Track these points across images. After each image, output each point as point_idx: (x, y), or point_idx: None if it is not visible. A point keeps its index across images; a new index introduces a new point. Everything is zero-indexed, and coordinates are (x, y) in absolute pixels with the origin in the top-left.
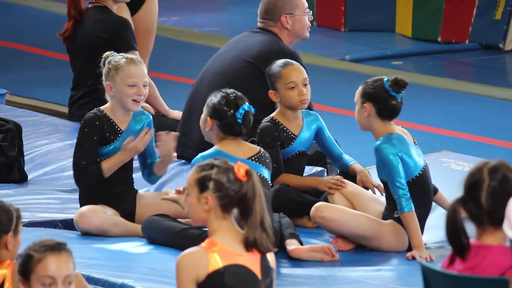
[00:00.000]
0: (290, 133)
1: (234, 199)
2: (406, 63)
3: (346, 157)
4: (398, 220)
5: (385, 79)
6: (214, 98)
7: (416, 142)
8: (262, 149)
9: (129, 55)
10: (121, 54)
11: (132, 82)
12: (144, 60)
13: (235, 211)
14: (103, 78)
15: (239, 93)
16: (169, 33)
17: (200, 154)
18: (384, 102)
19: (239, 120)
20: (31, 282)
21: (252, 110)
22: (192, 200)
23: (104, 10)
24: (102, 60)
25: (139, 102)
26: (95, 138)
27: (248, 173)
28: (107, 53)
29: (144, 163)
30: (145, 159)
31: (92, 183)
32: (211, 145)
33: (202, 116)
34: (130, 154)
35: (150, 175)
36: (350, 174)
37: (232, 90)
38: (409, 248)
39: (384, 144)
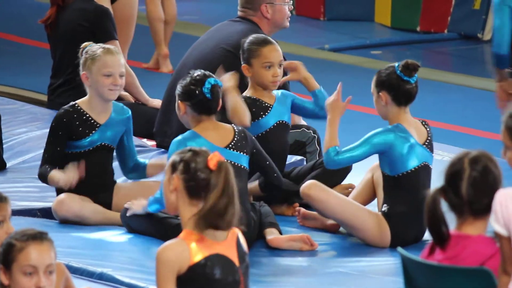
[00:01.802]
0: (264, 102)
1: (200, 185)
2: (385, 52)
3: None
4: (385, 215)
5: (396, 64)
6: (182, 81)
7: (427, 141)
8: (236, 129)
9: (106, 45)
10: (98, 44)
11: (108, 72)
12: (124, 49)
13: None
14: (80, 68)
15: (206, 72)
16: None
17: (180, 135)
18: (398, 88)
19: (207, 95)
20: (13, 271)
21: (220, 83)
22: (165, 181)
23: None
24: (80, 50)
25: (115, 91)
26: (60, 133)
27: (219, 164)
28: (86, 43)
29: (123, 162)
30: (124, 158)
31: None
32: None
33: (176, 103)
34: (61, 184)
35: (130, 174)
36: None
37: (199, 70)
38: (392, 245)
39: (382, 131)
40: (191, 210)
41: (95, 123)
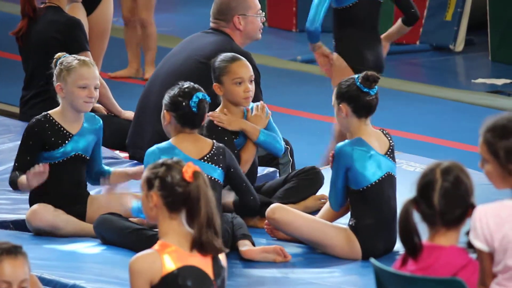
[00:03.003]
0: None
1: (179, 199)
2: None
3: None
4: (353, 229)
5: (356, 76)
6: (170, 91)
7: (389, 151)
8: (215, 143)
9: (82, 57)
10: (73, 55)
11: (83, 84)
12: (98, 61)
13: (183, 212)
14: (54, 78)
15: (195, 85)
16: (121, 33)
17: (156, 145)
18: (358, 100)
19: (193, 109)
20: None
21: (207, 98)
22: (143, 197)
23: (57, 10)
24: (54, 60)
25: (90, 103)
26: (30, 143)
27: (195, 175)
28: (59, 54)
29: (89, 170)
30: (91, 166)
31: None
32: None
33: (162, 112)
34: (30, 184)
35: (94, 181)
36: None
37: (188, 82)
38: (363, 258)
39: (344, 147)
40: (171, 223)
41: (67, 134)
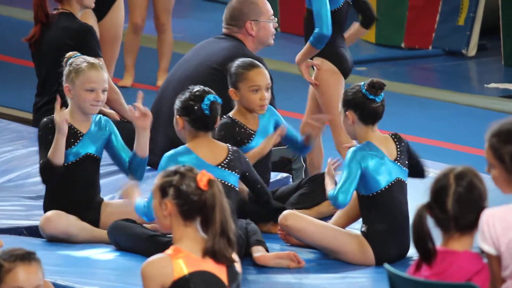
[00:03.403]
0: (248, 129)
1: (195, 207)
2: (370, 69)
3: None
4: (365, 235)
5: (362, 83)
6: (181, 96)
7: (398, 157)
8: (230, 148)
9: (91, 59)
10: (83, 56)
11: (91, 87)
12: (110, 67)
13: (198, 219)
14: (63, 78)
15: (206, 88)
16: None
17: (173, 150)
18: (364, 107)
19: (206, 112)
20: None
21: (219, 100)
22: (155, 204)
23: (69, 16)
24: (65, 60)
25: (97, 106)
26: (49, 137)
27: (210, 183)
28: (70, 53)
29: (121, 162)
30: (119, 158)
31: (53, 177)
32: None
33: (174, 118)
34: (59, 130)
35: (135, 169)
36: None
37: (198, 86)
38: (377, 263)
39: (355, 150)
40: (185, 230)
41: (78, 133)
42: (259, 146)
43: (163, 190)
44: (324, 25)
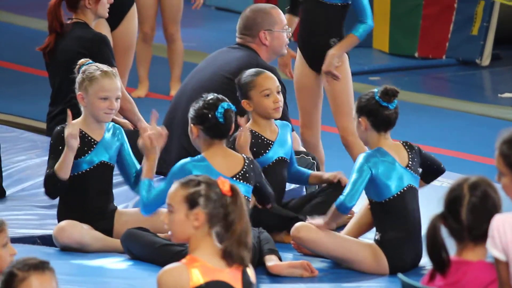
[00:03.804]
0: (265, 139)
1: (221, 214)
2: (384, 78)
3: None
4: (378, 243)
5: (376, 90)
6: (195, 104)
7: (410, 163)
8: (246, 160)
9: (104, 67)
10: (96, 64)
11: (104, 95)
12: (124, 76)
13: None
14: (76, 86)
15: (219, 95)
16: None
17: (189, 159)
18: (377, 114)
19: (220, 120)
20: None
21: (233, 108)
22: (179, 217)
23: (83, 26)
24: (77, 67)
25: (110, 114)
26: (60, 148)
27: (232, 189)
28: (82, 60)
29: (127, 174)
30: (126, 169)
31: (56, 190)
32: None
33: (188, 127)
34: (68, 145)
35: (137, 185)
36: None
37: (212, 93)
38: (391, 272)
39: (366, 156)
40: (204, 239)
41: (92, 141)
42: None
43: (191, 201)
44: (370, 17)
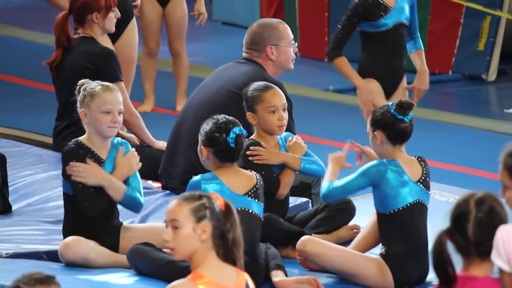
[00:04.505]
0: None
1: (221, 227)
2: None
3: None
4: (384, 257)
5: (391, 103)
6: (206, 126)
7: (422, 179)
8: (258, 177)
9: (104, 83)
10: (96, 81)
11: (107, 109)
12: (127, 89)
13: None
14: (78, 105)
15: (230, 117)
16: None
17: (199, 176)
18: (392, 127)
19: (231, 145)
20: None
21: (244, 132)
22: (187, 231)
23: (91, 41)
24: (77, 87)
25: (114, 128)
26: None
27: (225, 203)
28: (82, 80)
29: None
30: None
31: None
32: (196, 175)
33: (198, 147)
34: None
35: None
36: None
37: (223, 115)
38: (397, 287)
39: (375, 164)
40: (208, 253)
41: (100, 159)
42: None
43: (198, 214)
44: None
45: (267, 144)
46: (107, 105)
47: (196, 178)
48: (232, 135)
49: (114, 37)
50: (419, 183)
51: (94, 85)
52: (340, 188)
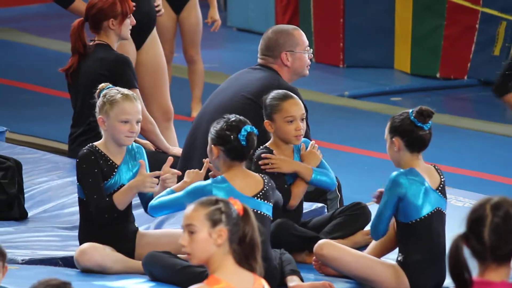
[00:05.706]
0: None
1: (238, 233)
2: (405, 99)
3: None
4: (401, 264)
5: (410, 111)
6: (216, 125)
7: (441, 187)
8: (266, 179)
9: (125, 91)
10: (116, 88)
11: (125, 118)
12: (164, 95)
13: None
14: (97, 110)
15: (241, 117)
16: (181, 72)
17: (211, 180)
18: (411, 134)
19: (242, 142)
20: None
21: (255, 131)
22: (202, 235)
23: (106, 48)
24: (97, 91)
25: (131, 137)
26: (95, 171)
27: (244, 209)
28: (102, 84)
29: (143, 198)
30: (142, 193)
31: (111, 218)
32: None
33: (208, 146)
34: (144, 187)
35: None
36: None
37: (233, 114)
38: None
39: (396, 176)
40: (224, 258)
41: (114, 164)
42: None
43: (213, 219)
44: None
45: (282, 153)
46: (125, 114)
47: (205, 182)
48: (243, 132)
49: (138, 44)
50: (438, 191)
51: (114, 92)
52: (377, 219)
